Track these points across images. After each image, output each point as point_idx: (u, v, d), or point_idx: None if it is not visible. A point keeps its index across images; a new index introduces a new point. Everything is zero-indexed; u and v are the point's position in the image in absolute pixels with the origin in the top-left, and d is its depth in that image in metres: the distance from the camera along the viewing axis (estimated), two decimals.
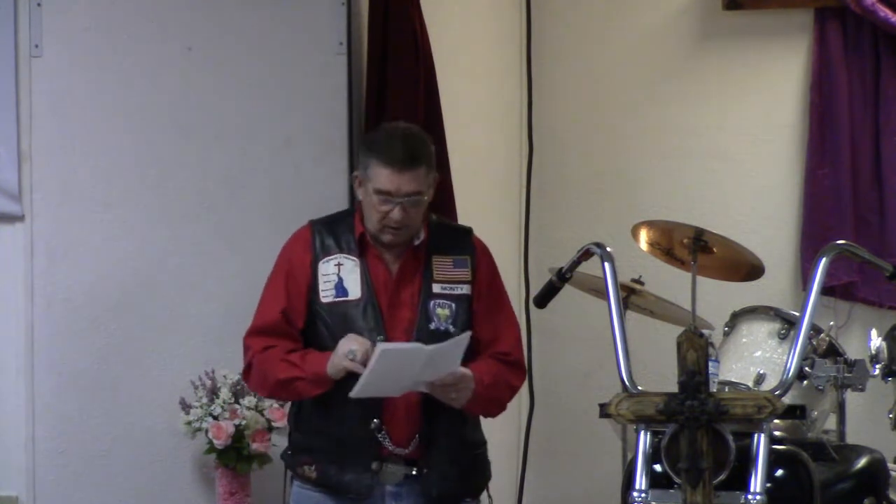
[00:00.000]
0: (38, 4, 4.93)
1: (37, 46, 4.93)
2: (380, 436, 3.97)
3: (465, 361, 3.99)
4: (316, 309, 4.04)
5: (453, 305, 4.03)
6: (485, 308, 4.08)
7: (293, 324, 4.06)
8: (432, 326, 4.01)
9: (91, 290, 4.98)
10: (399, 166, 3.95)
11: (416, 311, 4.01)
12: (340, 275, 4.04)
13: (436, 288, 4.04)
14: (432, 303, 4.02)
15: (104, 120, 5.02)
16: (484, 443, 4.20)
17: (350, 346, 3.89)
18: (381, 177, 3.96)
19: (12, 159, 4.91)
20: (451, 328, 4.00)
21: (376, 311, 4.00)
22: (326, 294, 4.03)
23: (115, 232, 5.02)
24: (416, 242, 4.06)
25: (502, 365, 4.07)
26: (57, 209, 4.97)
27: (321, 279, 4.05)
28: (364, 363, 3.84)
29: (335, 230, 4.10)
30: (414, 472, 3.99)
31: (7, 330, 4.94)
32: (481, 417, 4.19)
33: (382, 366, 3.78)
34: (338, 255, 4.06)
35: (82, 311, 4.97)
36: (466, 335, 3.88)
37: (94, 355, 4.98)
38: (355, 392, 3.83)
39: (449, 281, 4.06)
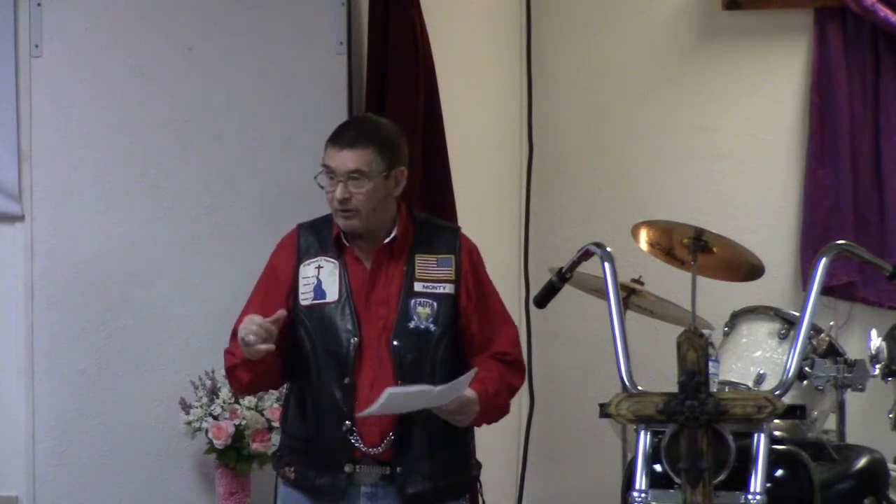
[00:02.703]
0: (38, 4, 4.93)
1: (37, 46, 4.94)
2: (352, 438, 3.95)
3: (463, 360, 4.02)
4: (297, 313, 4.04)
5: (435, 304, 4.01)
6: (474, 305, 4.05)
7: None
8: (412, 325, 3.98)
9: (91, 291, 4.99)
10: (341, 144, 3.97)
11: (396, 310, 4.00)
12: (320, 277, 4.04)
13: (417, 286, 4.01)
14: (413, 301, 4.00)
15: (104, 120, 5.02)
16: (468, 441, 4.14)
17: (242, 333, 3.86)
18: (327, 156, 3.99)
19: (12, 159, 4.92)
20: (432, 327, 3.98)
21: (352, 310, 3.99)
22: (306, 297, 4.03)
23: (115, 232, 5.02)
24: (387, 240, 4.03)
25: (503, 366, 4.06)
26: (57, 209, 4.97)
27: (301, 282, 4.05)
28: (260, 341, 3.83)
29: (319, 232, 4.09)
30: (388, 473, 3.98)
31: (7, 330, 4.94)
32: None
33: (389, 403, 3.81)
34: (319, 258, 4.06)
35: (82, 311, 4.98)
36: (473, 372, 3.88)
37: (94, 355, 4.98)
38: (363, 414, 3.86)
39: (431, 280, 4.03)
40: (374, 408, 3.79)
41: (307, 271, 4.06)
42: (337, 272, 4.03)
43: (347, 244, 4.05)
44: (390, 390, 3.79)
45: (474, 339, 4.05)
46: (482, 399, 3.94)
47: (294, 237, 4.13)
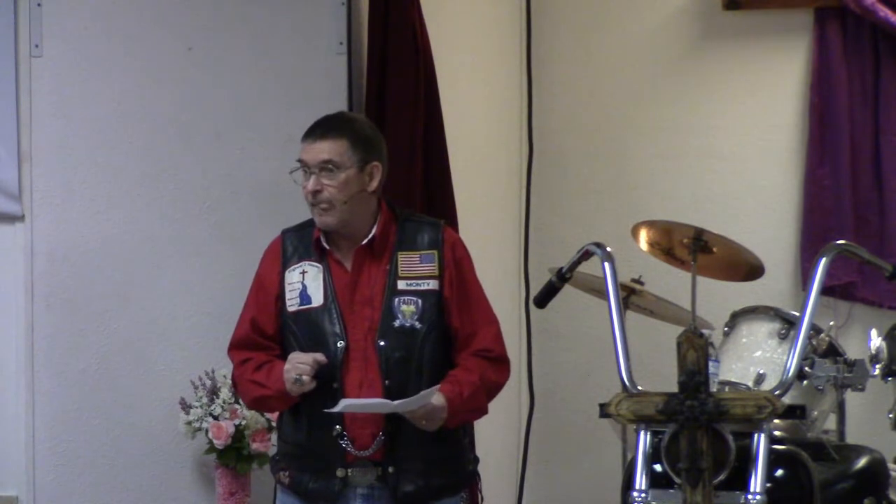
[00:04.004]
0: (38, 4, 4.93)
1: (37, 46, 4.94)
2: (343, 442, 3.95)
3: (451, 356, 4.01)
4: (284, 319, 4.04)
5: (419, 301, 3.99)
6: (456, 299, 4.03)
7: (264, 333, 4.07)
8: (397, 324, 3.97)
9: (91, 291, 4.99)
10: (314, 137, 4.02)
11: (380, 310, 3.99)
12: (304, 282, 4.04)
13: (401, 285, 4.00)
14: (397, 300, 3.99)
15: (104, 120, 5.02)
16: (461, 437, 4.13)
17: (293, 373, 3.91)
18: (301, 151, 4.04)
19: (12, 159, 4.92)
20: (417, 324, 3.98)
21: (338, 313, 3.99)
22: (292, 303, 4.03)
23: (115, 232, 5.02)
24: (365, 241, 4.02)
25: (486, 363, 4.04)
26: (57, 209, 4.97)
27: (287, 288, 4.05)
28: (313, 376, 3.89)
29: (303, 237, 4.10)
30: (381, 473, 3.97)
31: (7, 330, 4.95)
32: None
33: (348, 408, 3.86)
34: (303, 263, 4.06)
35: (82, 311, 4.98)
36: (433, 390, 3.87)
37: (94, 355, 4.98)
38: (328, 410, 3.89)
39: (414, 277, 4.01)
40: (334, 409, 3.84)
41: (292, 277, 4.06)
42: (321, 276, 4.03)
43: (328, 247, 4.04)
44: (345, 401, 3.83)
45: (457, 334, 4.03)
46: (453, 402, 3.93)
47: (278, 244, 4.13)
